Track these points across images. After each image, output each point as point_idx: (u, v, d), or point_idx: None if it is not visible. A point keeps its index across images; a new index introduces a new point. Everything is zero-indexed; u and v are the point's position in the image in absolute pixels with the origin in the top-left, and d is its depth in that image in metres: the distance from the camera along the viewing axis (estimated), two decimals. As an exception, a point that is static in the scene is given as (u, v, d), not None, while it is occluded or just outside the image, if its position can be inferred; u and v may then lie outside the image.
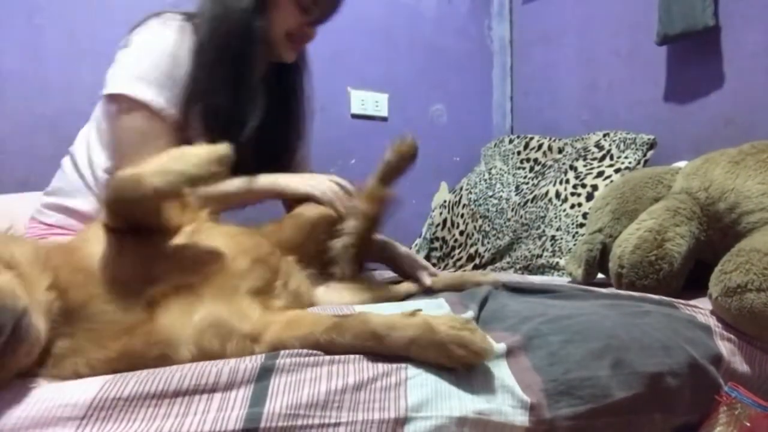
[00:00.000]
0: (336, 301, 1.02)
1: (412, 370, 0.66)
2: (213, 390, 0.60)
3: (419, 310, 0.70)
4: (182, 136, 1.14)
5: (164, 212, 0.75)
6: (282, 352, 0.67)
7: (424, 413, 0.63)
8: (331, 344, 0.68)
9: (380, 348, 0.67)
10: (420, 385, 0.65)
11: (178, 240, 0.77)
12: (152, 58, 1.11)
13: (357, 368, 0.65)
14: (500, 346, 0.73)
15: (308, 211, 1.12)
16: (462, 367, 0.67)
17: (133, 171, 0.68)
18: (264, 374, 0.63)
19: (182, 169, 0.68)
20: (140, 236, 0.72)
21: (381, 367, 0.66)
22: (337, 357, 0.66)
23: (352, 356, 0.67)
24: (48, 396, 0.59)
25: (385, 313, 0.71)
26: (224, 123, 1.12)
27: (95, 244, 0.71)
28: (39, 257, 0.66)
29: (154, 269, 0.71)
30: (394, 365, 0.66)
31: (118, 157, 1.13)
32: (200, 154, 0.69)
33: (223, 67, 1.14)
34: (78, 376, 0.64)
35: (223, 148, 0.71)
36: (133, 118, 1.10)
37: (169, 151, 0.71)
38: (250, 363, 0.64)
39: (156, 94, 1.10)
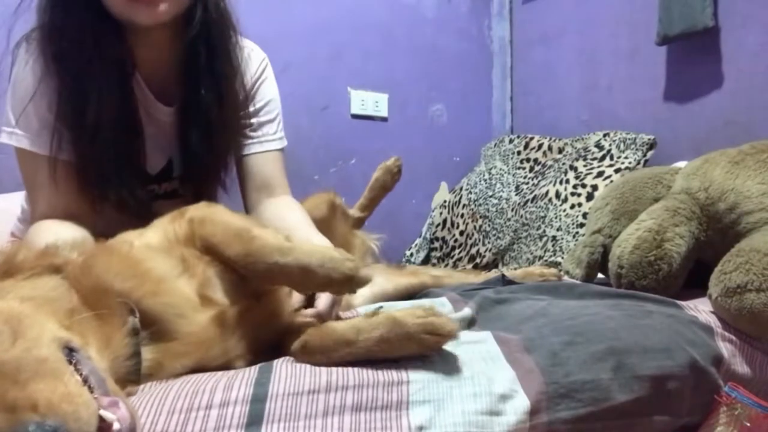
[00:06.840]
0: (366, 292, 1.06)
1: (414, 386, 0.65)
2: (209, 407, 0.60)
3: (380, 308, 0.70)
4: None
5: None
6: (278, 372, 0.66)
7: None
8: (311, 356, 0.69)
9: (354, 352, 0.67)
10: (422, 402, 0.64)
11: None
12: (13, 95, 1.05)
13: (357, 381, 0.64)
14: (465, 311, 0.75)
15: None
16: (434, 351, 0.68)
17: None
18: (259, 396, 0.62)
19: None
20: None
21: (382, 380, 0.65)
22: (334, 377, 0.65)
23: (350, 372, 0.65)
24: None
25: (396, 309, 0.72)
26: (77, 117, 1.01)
27: (155, 254, 0.73)
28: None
29: (230, 293, 0.75)
30: (396, 381, 0.65)
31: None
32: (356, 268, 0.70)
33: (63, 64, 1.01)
34: None
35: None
36: (19, 160, 1.11)
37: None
38: (245, 385, 0.63)
39: (17, 135, 1.05)
